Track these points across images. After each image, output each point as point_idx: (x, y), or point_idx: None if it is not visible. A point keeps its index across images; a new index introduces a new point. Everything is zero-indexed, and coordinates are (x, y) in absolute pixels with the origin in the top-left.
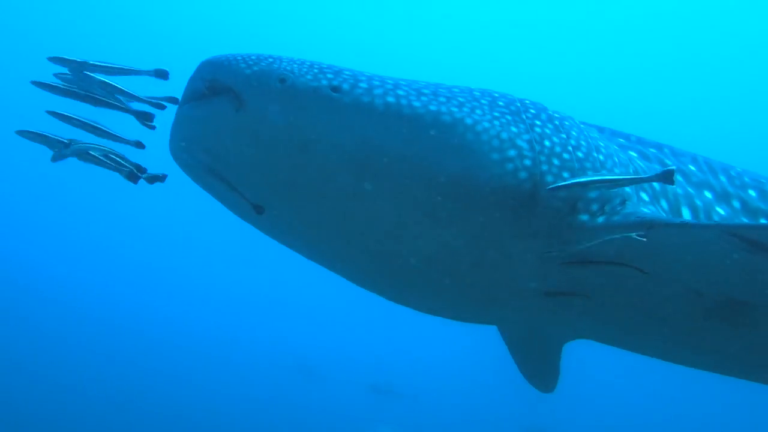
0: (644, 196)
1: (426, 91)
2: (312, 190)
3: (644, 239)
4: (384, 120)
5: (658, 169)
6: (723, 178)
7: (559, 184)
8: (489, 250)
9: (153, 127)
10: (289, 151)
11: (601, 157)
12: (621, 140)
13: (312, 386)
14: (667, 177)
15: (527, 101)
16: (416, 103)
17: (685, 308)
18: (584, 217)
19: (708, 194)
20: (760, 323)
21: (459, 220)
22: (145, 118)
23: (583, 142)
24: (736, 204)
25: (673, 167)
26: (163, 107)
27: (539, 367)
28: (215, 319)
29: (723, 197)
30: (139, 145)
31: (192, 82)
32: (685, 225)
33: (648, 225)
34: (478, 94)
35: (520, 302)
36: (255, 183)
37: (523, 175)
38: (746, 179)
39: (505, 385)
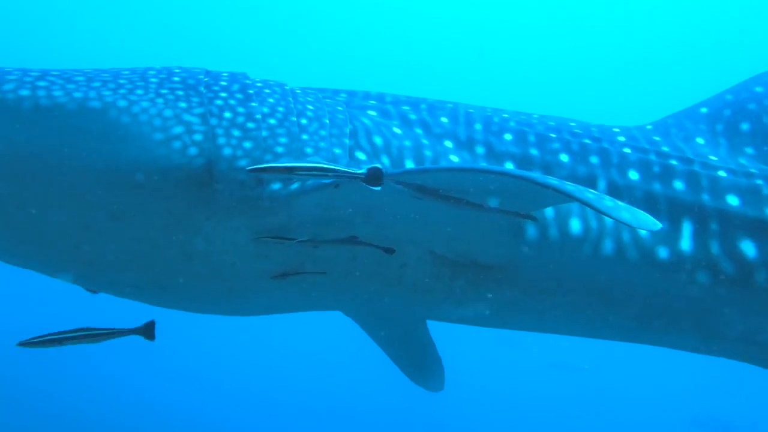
0: (360, 155)
1: (79, 78)
2: None
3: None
4: (20, 117)
5: (394, 124)
6: (478, 127)
7: (262, 166)
8: (190, 238)
9: None
10: None
11: (303, 121)
12: (371, 102)
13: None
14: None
15: (224, 74)
16: (57, 93)
17: (431, 271)
18: (276, 186)
19: (448, 143)
20: (503, 283)
21: (142, 212)
22: None
23: (280, 108)
24: (480, 150)
25: (378, 167)
26: None
27: (410, 356)
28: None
29: (466, 145)
30: None
31: None
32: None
33: (336, 183)
34: (152, 73)
35: (260, 288)
36: None
37: (193, 151)
38: (511, 124)
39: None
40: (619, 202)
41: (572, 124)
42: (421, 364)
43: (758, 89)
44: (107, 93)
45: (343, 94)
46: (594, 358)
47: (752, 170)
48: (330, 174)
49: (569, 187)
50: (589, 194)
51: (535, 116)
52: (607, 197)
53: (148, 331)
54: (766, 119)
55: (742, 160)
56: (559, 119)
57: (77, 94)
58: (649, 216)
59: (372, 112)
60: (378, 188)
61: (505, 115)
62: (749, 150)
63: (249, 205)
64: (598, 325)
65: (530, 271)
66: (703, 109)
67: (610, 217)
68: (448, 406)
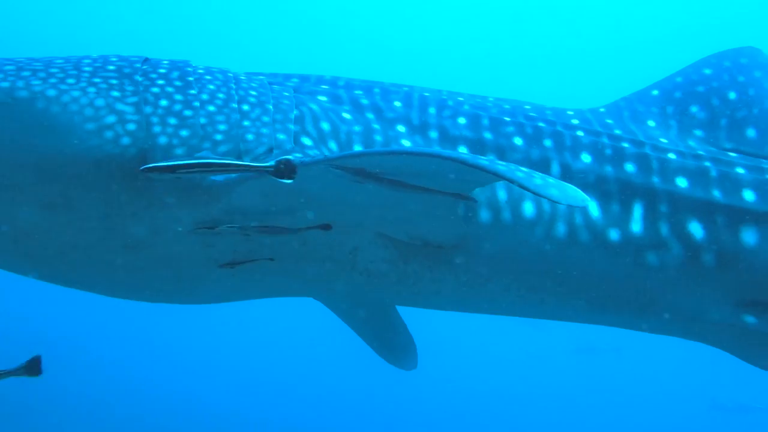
0: (306, 140)
1: (9, 67)
2: None
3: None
4: None
5: (344, 109)
6: (432, 111)
7: (150, 165)
8: (131, 228)
9: None
10: None
11: (245, 107)
12: (324, 86)
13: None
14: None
15: (164, 62)
16: None
17: (383, 255)
18: (214, 175)
19: (401, 128)
20: (457, 266)
21: (79, 203)
22: None
23: (220, 95)
24: (434, 134)
25: (289, 158)
26: None
27: (381, 337)
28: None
29: (419, 129)
30: None
31: None
32: (299, 165)
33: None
34: (87, 62)
35: (210, 277)
36: None
37: (126, 141)
38: (466, 108)
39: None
40: (549, 179)
41: (527, 107)
42: (392, 344)
43: (707, 71)
44: (36, 82)
45: (294, 79)
46: (615, 342)
47: (701, 152)
48: (233, 169)
49: (500, 167)
50: (520, 173)
51: (491, 99)
52: (538, 175)
53: (32, 367)
54: (715, 101)
55: (692, 142)
56: (514, 102)
57: (4, 84)
58: (579, 191)
59: (322, 97)
60: (290, 181)
61: (461, 99)
62: (698, 132)
63: (187, 194)
64: (552, 306)
65: (484, 253)
66: (655, 92)
67: (539, 196)
68: (472, 390)
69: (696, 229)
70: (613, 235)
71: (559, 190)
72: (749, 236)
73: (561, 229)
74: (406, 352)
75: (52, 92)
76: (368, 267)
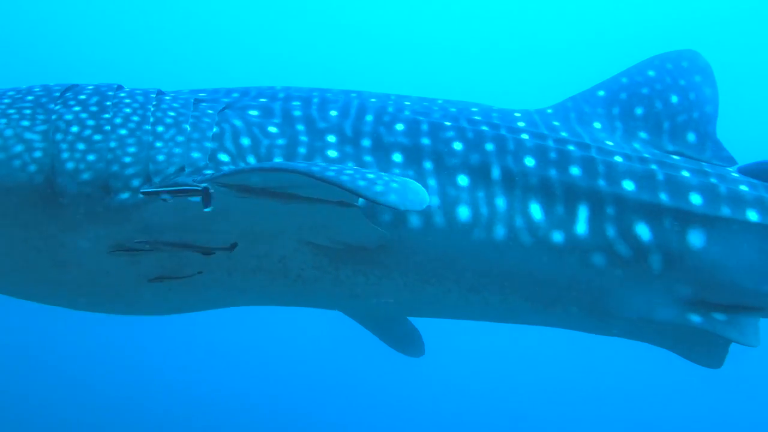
0: (223, 157)
1: None
2: None
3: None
4: None
5: (272, 122)
6: (369, 118)
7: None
8: (56, 249)
9: None
10: None
11: (160, 129)
12: (262, 100)
13: None
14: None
15: (89, 87)
16: None
17: (312, 261)
18: (124, 196)
19: (331, 138)
20: (391, 269)
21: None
22: None
23: (135, 118)
24: (366, 142)
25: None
26: None
27: (384, 329)
28: None
29: (352, 139)
30: None
31: None
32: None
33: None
34: (10, 93)
35: (144, 291)
36: None
37: (32, 168)
38: (406, 113)
39: None
40: (393, 183)
41: (474, 110)
42: (395, 333)
43: (650, 73)
44: None
45: (235, 94)
46: None
47: (646, 155)
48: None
49: (344, 177)
50: (362, 182)
51: (439, 103)
52: (381, 181)
53: None
54: (658, 104)
55: (636, 145)
56: (462, 106)
57: None
58: (420, 193)
59: (253, 112)
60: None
61: (407, 103)
62: (643, 134)
63: (100, 216)
64: (497, 308)
65: (419, 258)
66: (601, 92)
67: (379, 204)
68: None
69: (643, 231)
70: (557, 236)
71: (399, 195)
72: (696, 238)
73: (500, 231)
74: (411, 340)
75: None
76: (300, 274)
